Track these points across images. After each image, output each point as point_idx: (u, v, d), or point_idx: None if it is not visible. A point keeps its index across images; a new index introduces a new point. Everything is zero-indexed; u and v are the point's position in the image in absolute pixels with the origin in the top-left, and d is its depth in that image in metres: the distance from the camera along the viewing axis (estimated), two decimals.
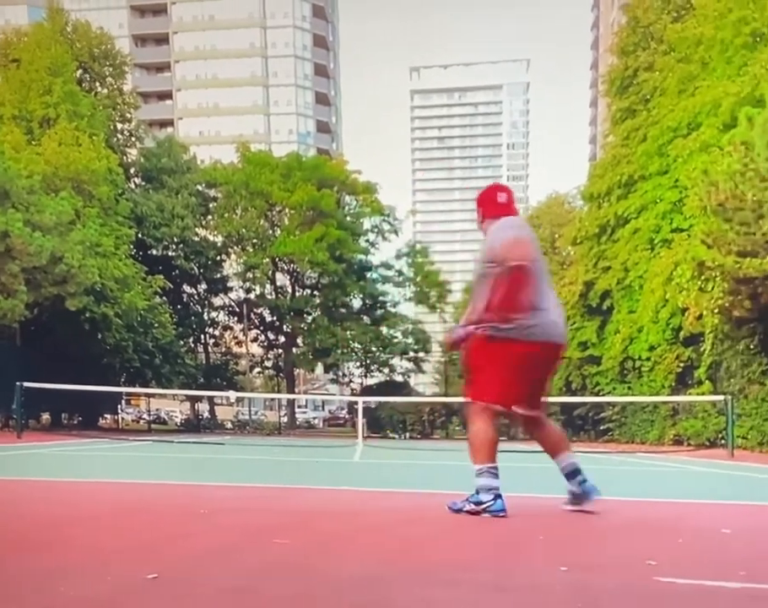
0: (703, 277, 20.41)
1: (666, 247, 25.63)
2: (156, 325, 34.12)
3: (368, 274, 48.60)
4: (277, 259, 45.64)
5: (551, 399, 24.08)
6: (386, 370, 47.08)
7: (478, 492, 4.86)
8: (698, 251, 20.23)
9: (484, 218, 5.27)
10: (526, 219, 59.31)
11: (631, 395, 26.96)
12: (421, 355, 48.33)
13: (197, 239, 44.32)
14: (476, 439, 4.91)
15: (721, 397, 19.23)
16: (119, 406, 40.89)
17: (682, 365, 24.81)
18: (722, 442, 19.72)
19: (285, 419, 45.94)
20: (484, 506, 4.80)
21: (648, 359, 26.17)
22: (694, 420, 23.66)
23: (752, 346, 20.15)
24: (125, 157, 41.07)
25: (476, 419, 4.92)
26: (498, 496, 4.79)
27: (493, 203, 5.24)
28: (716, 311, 20.19)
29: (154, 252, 41.81)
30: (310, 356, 45.87)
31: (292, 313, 45.60)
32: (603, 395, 28.57)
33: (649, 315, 25.60)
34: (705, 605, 2.64)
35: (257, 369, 52.89)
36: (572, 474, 5.07)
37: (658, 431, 25.84)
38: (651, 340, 25.79)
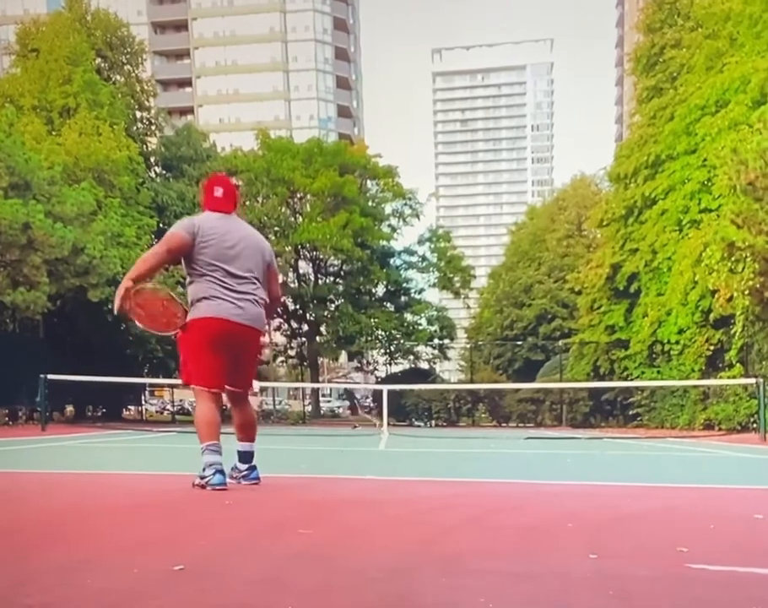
0: (733, 258, 20.00)
1: (695, 227, 25.15)
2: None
3: (391, 261, 48.24)
4: (299, 247, 45.40)
5: (579, 385, 23.85)
6: (410, 357, 46.83)
7: (204, 468, 5.39)
8: (728, 231, 19.86)
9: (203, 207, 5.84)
10: (552, 201, 59.32)
11: (660, 379, 26.57)
12: (446, 342, 48.07)
13: None
14: (196, 421, 5.51)
15: (752, 380, 18.93)
16: (143, 397, 40.94)
17: (712, 348, 24.39)
18: (754, 425, 19.47)
19: (310, 408, 45.83)
20: (206, 480, 5.33)
21: (677, 342, 25.76)
22: (725, 404, 23.28)
23: None
24: (145, 146, 40.95)
25: (196, 402, 5.55)
26: (218, 472, 5.33)
27: (209, 196, 5.76)
28: (746, 292, 19.78)
29: None
30: (334, 344, 45.49)
31: (315, 301, 45.31)
32: (632, 380, 28.24)
33: (678, 297, 25.17)
34: (738, 591, 2.58)
35: (281, 358, 52.72)
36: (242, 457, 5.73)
37: (688, 415, 25.46)
38: (681, 323, 25.36)
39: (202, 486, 5.37)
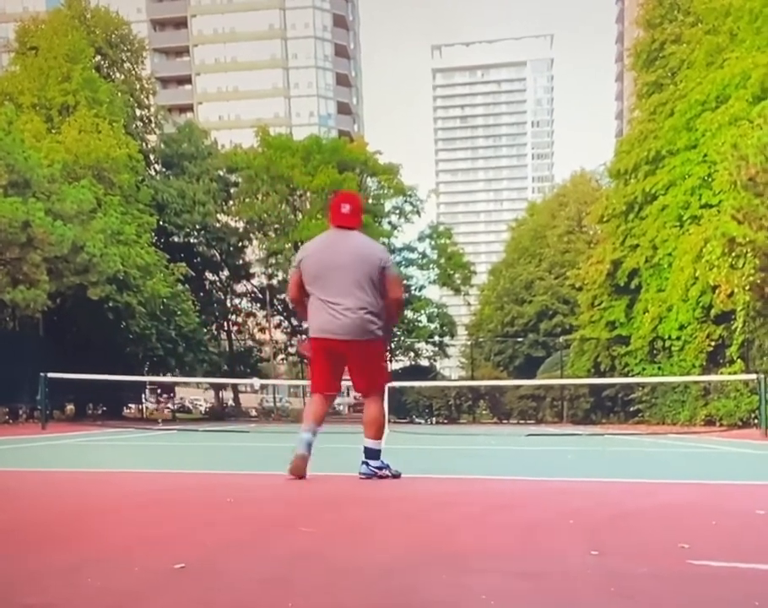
0: (734, 253, 20.01)
1: (695, 223, 25.14)
2: (179, 313, 33.97)
3: (391, 257, 48.10)
4: (299, 244, 45.23)
5: (580, 381, 23.91)
6: (411, 354, 46.75)
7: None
8: (728, 227, 19.85)
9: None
10: (552, 197, 59.29)
11: (661, 375, 26.57)
12: (447, 339, 48.04)
13: (218, 225, 43.99)
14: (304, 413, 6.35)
15: (753, 376, 18.88)
16: (143, 395, 40.90)
17: (713, 344, 24.36)
18: (755, 421, 19.46)
19: None
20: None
21: (678, 338, 25.74)
22: (726, 400, 23.25)
23: None
24: (144, 143, 40.93)
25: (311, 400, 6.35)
26: (305, 443, 6.02)
27: (335, 212, 6.20)
28: (747, 288, 19.79)
29: (176, 239, 41.69)
30: None
31: None
32: (633, 376, 28.23)
33: (679, 293, 25.16)
34: (741, 587, 2.57)
35: (281, 355, 52.58)
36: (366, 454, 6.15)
37: (689, 411, 25.45)
38: (681, 319, 25.35)
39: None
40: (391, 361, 47.58)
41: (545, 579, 2.65)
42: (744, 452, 11.64)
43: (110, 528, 3.81)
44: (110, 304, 27.21)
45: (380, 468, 6.10)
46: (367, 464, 6.10)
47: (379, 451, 6.14)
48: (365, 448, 6.13)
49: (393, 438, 16.10)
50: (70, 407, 30.61)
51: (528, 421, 34.27)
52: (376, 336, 6.08)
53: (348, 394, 67.63)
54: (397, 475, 6.18)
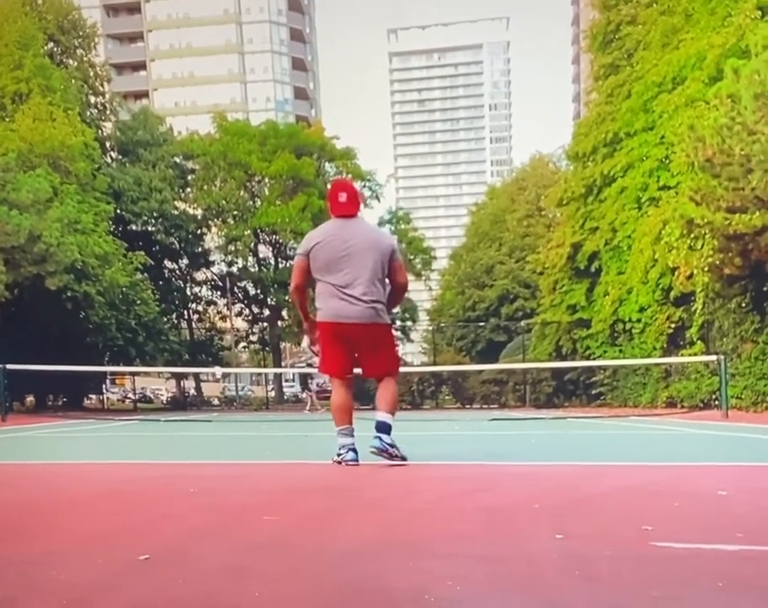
0: (692, 235, 20.06)
1: (653, 205, 25.22)
2: (138, 302, 33.66)
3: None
4: (259, 231, 45.09)
5: (542, 365, 23.97)
6: None
7: (339, 448, 6.20)
8: (686, 208, 19.90)
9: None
10: (511, 181, 59.37)
11: (622, 358, 26.70)
12: (408, 324, 48.07)
13: (176, 212, 43.60)
14: (331, 406, 6.30)
15: (713, 357, 18.98)
16: (104, 386, 40.57)
17: (673, 325, 24.45)
18: (716, 402, 19.53)
19: (273, 393, 45.65)
20: (341, 457, 6.15)
21: (639, 320, 25.82)
22: (687, 382, 23.39)
23: (744, 304, 19.85)
24: (100, 131, 40.48)
25: (332, 388, 6.41)
26: (350, 450, 6.15)
27: (334, 202, 6.29)
28: (706, 269, 19.81)
29: (134, 227, 41.26)
30: (296, 329, 44.87)
31: (276, 286, 44.92)
32: (594, 359, 28.30)
33: (638, 276, 25.26)
34: (704, 568, 2.61)
35: (243, 344, 52.34)
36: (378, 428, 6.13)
37: (651, 393, 25.60)
38: (641, 301, 25.45)
39: (339, 462, 6.15)
40: None
41: (510, 563, 2.67)
42: (706, 433, 11.71)
43: (72, 520, 3.78)
44: (69, 294, 26.88)
45: (391, 445, 6.11)
46: (380, 439, 6.07)
47: (391, 427, 6.14)
48: (379, 422, 6.11)
49: (357, 425, 16.10)
50: (30, 399, 30.36)
51: (491, 406, 34.40)
52: (386, 321, 6.30)
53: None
54: (404, 459, 6.22)
